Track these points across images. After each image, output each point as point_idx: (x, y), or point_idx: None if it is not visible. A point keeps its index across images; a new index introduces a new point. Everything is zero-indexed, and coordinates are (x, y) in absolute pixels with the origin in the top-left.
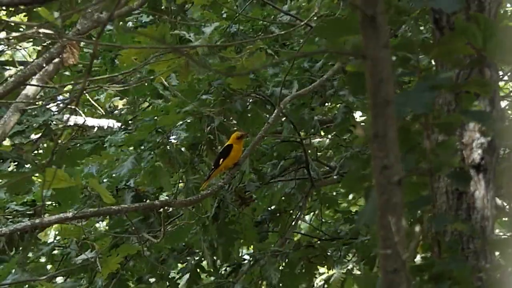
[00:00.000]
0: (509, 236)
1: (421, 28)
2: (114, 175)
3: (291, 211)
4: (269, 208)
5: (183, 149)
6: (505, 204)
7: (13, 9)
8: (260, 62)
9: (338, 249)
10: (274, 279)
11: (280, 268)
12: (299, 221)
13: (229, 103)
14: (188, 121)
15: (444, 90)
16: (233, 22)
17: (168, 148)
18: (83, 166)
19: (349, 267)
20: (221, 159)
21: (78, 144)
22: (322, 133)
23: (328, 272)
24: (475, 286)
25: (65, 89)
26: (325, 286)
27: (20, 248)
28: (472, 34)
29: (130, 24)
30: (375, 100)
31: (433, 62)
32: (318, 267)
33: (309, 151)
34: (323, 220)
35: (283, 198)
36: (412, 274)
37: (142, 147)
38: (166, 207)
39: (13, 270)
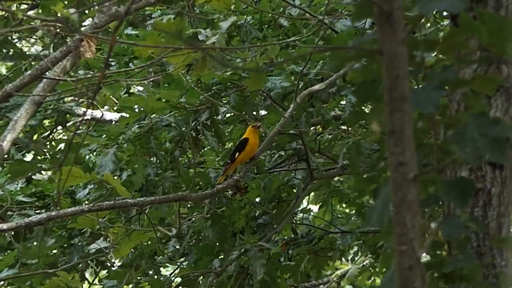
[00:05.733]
0: None
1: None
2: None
3: (290, 201)
4: (265, 197)
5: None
6: None
7: (27, 4)
8: (273, 55)
9: (346, 242)
10: (259, 275)
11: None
12: (306, 214)
13: (220, 98)
14: (171, 115)
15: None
16: (240, 13)
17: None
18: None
19: (365, 263)
20: (237, 153)
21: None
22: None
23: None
24: (488, 283)
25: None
26: (341, 282)
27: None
28: (476, 30)
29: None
30: (391, 96)
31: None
32: (332, 262)
33: (310, 142)
34: (334, 214)
35: (282, 188)
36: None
37: (122, 139)
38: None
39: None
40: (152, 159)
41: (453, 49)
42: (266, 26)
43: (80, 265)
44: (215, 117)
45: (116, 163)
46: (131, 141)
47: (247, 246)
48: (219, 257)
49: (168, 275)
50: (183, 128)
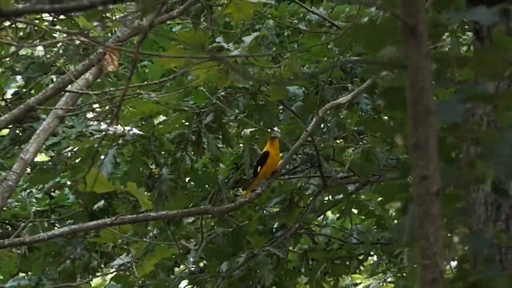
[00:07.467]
0: None
1: (461, 37)
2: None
3: (303, 208)
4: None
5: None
6: None
7: (52, 18)
8: (297, 69)
9: (365, 252)
10: (267, 280)
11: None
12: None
13: (226, 102)
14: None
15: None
16: (258, 17)
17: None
18: None
19: (386, 278)
20: (259, 167)
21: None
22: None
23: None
24: None
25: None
26: None
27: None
28: (509, 47)
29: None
30: (416, 109)
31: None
32: (349, 272)
33: (324, 148)
34: (352, 223)
35: (295, 192)
36: (448, 285)
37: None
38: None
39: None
40: (151, 163)
41: (486, 67)
42: (284, 31)
43: (85, 257)
44: (223, 119)
45: (115, 165)
46: (131, 142)
47: (255, 250)
48: (228, 261)
49: (174, 277)
50: (185, 130)
